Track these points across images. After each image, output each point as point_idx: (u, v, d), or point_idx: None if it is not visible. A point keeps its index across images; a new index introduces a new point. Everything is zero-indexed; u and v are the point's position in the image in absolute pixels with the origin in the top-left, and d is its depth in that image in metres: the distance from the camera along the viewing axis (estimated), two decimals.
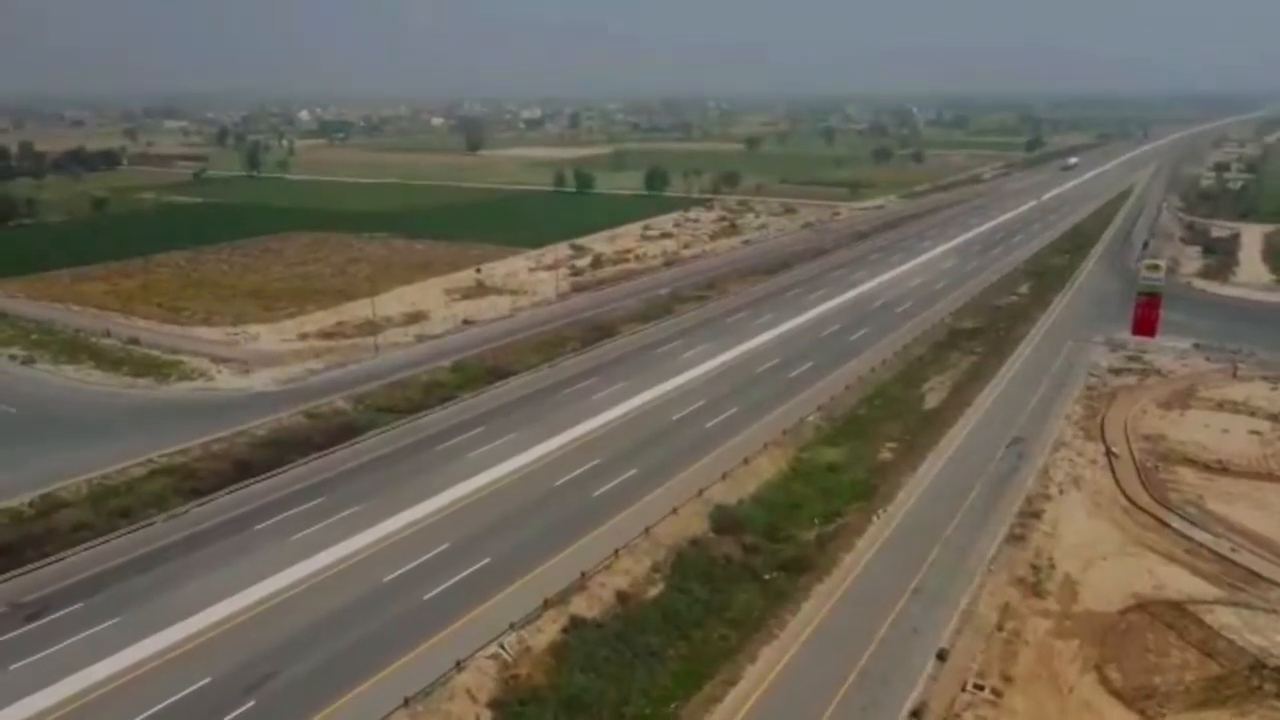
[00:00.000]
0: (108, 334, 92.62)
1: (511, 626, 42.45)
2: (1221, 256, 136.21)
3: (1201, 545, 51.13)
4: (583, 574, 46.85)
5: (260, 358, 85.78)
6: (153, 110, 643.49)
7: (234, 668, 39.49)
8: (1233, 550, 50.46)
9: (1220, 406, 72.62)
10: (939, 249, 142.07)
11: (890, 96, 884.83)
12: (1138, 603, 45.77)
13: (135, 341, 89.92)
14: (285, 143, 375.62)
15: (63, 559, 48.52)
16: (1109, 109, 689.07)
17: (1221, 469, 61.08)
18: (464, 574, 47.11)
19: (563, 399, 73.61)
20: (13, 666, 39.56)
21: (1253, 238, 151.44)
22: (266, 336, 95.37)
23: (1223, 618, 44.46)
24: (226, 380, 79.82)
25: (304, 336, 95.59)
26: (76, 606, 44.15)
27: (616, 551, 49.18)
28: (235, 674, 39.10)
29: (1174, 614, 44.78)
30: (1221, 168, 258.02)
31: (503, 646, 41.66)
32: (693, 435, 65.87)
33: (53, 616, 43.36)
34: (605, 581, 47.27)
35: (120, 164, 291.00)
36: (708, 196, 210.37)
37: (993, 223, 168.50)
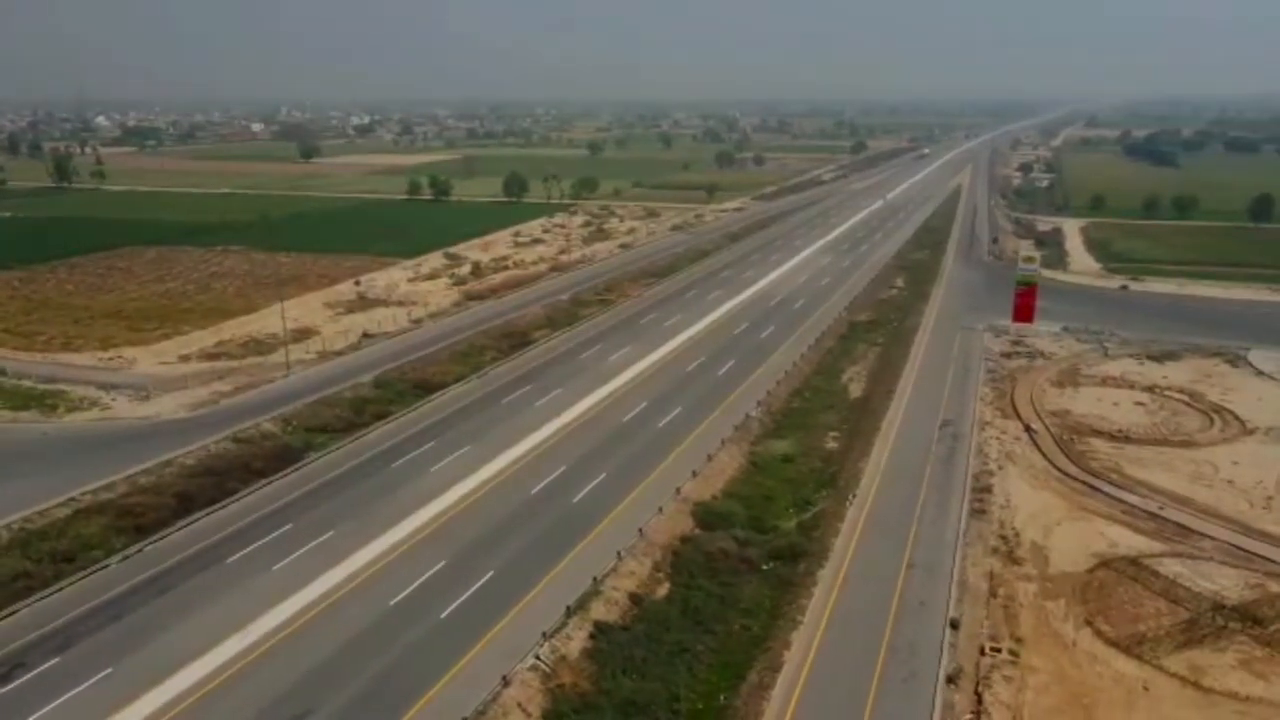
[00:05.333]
0: None
1: (544, 636, 41.82)
2: (1052, 248, 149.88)
3: (1134, 507, 56.78)
4: (594, 579, 46.68)
5: (154, 383, 79.22)
6: None
7: (264, 709, 36.84)
8: (1161, 509, 56.32)
9: (1104, 382, 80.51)
10: (811, 248, 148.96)
11: (709, 103, 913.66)
12: (1100, 561, 50.40)
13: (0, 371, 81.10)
14: (90, 151, 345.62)
15: (15, 612, 43.47)
16: (910, 115, 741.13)
17: (1125, 438, 67.87)
18: (472, 589, 45.90)
19: (505, 408, 72.40)
20: None
21: (1072, 230, 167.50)
22: (144, 360, 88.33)
23: (1172, 568, 49.61)
24: (125, 409, 73.38)
25: (185, 358, 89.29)
26: (54, 662, 39.78)
27: (619, 554, 49.28)
28: (269, 716, 36.54)
29: (1134, 569, 49.60)
30: (1026, 168, 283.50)
31: (539, 657, 41.00)
32: (648, 436, 66.54)
33: (30, 675, 38.86)
34: (616, 585, 47.33)
35: None
36: (569, 202, 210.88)
37: (850, 222, 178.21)
